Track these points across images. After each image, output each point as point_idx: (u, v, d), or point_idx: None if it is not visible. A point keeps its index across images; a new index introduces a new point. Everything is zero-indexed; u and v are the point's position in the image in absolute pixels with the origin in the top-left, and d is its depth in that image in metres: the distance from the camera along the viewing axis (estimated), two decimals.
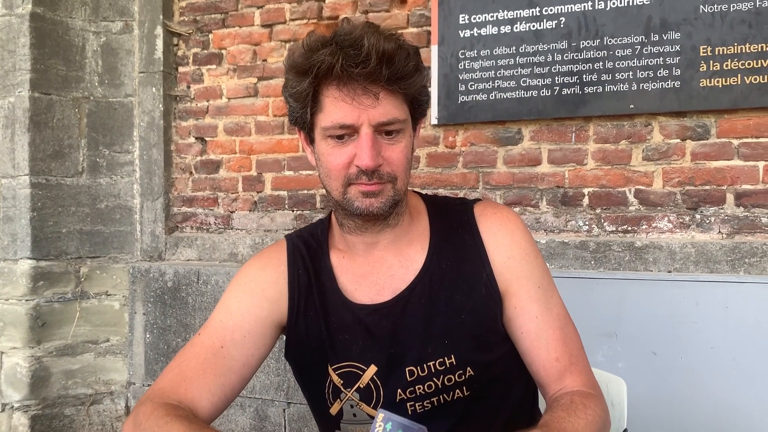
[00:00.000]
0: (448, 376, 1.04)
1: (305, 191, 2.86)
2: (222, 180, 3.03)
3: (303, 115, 1.04)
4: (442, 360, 1.05)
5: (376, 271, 1.11)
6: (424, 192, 1.24)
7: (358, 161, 0.99)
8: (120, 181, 3.10)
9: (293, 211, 2.89)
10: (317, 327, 1.10)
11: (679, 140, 2.28)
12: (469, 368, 1.05)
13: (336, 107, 0.99)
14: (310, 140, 1.08)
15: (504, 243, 1.10)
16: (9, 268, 2.93)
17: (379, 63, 0.96)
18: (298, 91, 1.01)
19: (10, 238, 2.93)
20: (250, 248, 2.88)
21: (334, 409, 1.10)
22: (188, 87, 3.09)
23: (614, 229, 2.36)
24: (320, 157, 1.05)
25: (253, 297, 1.11)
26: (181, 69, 3.11)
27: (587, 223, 2.40)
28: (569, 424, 0.93)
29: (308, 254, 1.15)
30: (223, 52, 3.02)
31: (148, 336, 2.96)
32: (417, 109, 1.07)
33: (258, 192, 2.96)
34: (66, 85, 2.99)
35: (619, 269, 2.29)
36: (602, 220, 2.38)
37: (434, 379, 1.05)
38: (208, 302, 2.83)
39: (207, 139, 3.06)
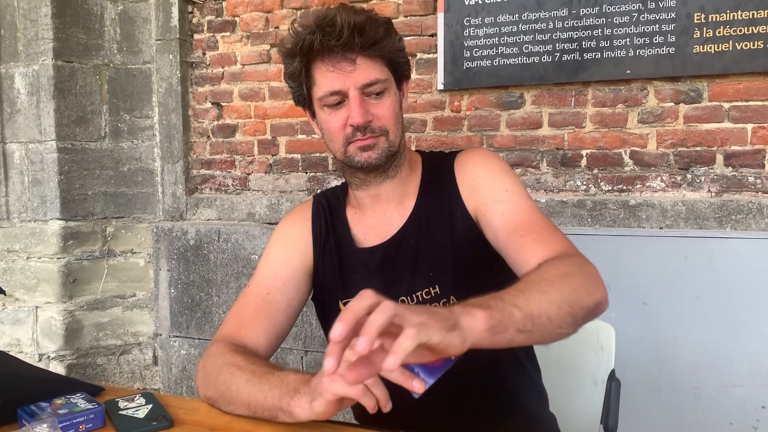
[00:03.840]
0: (434, 304, 1.18)
1: (318, 154, 3.00)
2: (238, 143, 3.17)
3: (301, 92, 1.21)
4: (428, 290, 1.20)
5: (381, 221, 1.28)
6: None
7: (350, 120, 1.15)
8: (141, 145, 3.25)
9: (306, 173, 3.03)
10: (333, 270, 1.28)
11: (672, 104, 2.40)
12: (452, 297, 1.18)
13: (325, 78, 1.15)
14: (312, 114, 1.24)
15: (467, 171, 1.24)
16: (40, 228, 3.11)
17: (351, 34, 1.11)
18: (292, 72, 1.18)
19: (39, 200, 3.10)
20: (266, 208, 3.04)
21: None
22: (204, 54, 3.20)
23: (610, 188, 2.50)
24: (322, 125, 1.22)
25: (287, 250, 1.30)
26: (196, 36, 3.22)
27: (585, 182, 2.54)
28: (523, 300, 0.87)
29: (329, 209, 1.33)
30: (236, 19, 3.12)
31: (172, 291, 3.15)
32: (398, 70, 1.21)
33: (273, 155, 3.10)
34: (87, 53, 3.12)
35: (614, 226, 2.42)
36: (599, 180, 2.52)
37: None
38: (229, 259, 3.01)
39: (223, 104, 3.19)
